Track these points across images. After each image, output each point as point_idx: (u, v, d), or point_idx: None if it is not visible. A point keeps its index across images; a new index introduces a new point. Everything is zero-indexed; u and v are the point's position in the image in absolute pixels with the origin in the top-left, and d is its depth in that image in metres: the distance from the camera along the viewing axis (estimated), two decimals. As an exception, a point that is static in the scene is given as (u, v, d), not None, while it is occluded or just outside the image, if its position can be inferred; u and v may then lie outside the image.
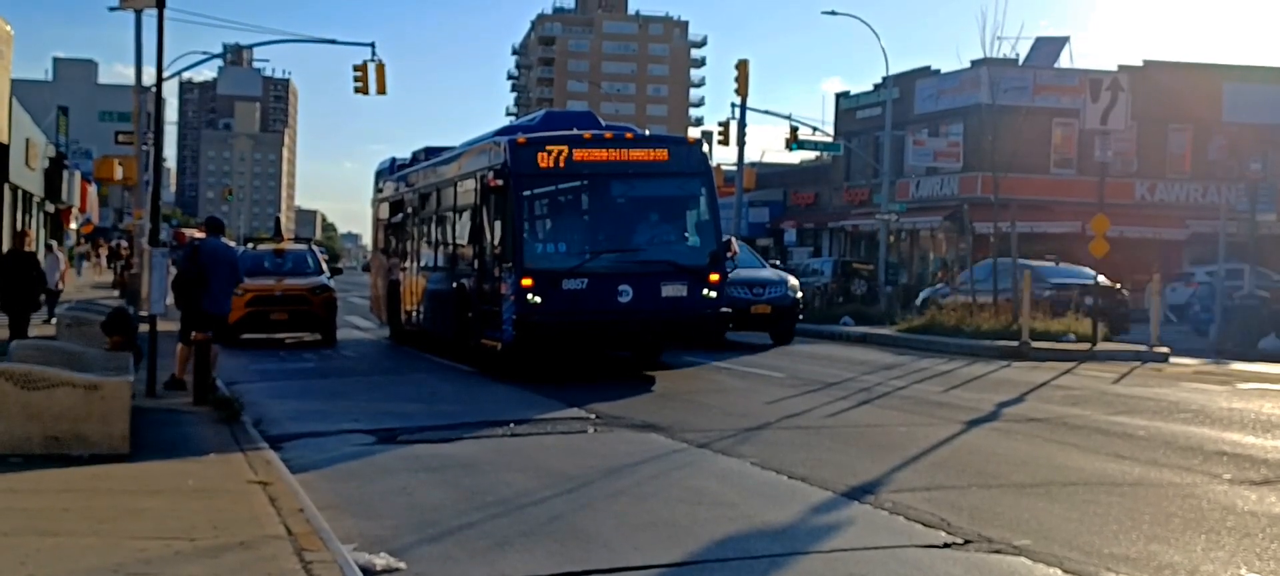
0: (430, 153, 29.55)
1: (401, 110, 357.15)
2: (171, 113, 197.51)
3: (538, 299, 19.81)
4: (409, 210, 29.76)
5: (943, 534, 9.78)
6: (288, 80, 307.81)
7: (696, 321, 20.89)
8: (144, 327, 18.94)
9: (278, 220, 70.05)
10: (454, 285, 23.87)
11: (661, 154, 21.83)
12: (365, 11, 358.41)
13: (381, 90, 43.63)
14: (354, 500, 11.18)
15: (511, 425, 15.96)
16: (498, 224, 20.93)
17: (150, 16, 21.24)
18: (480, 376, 22.02)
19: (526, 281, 19.87)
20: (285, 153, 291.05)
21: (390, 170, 32.85)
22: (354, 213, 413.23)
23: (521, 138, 21.33)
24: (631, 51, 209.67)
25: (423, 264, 27.58)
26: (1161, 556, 9.15)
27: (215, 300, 17.99)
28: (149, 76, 24.72)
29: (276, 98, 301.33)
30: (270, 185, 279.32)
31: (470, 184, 23.16)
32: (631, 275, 20.29)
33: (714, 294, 20.86)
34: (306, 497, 10.46)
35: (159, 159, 35.53)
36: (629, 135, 22.49)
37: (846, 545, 9.57)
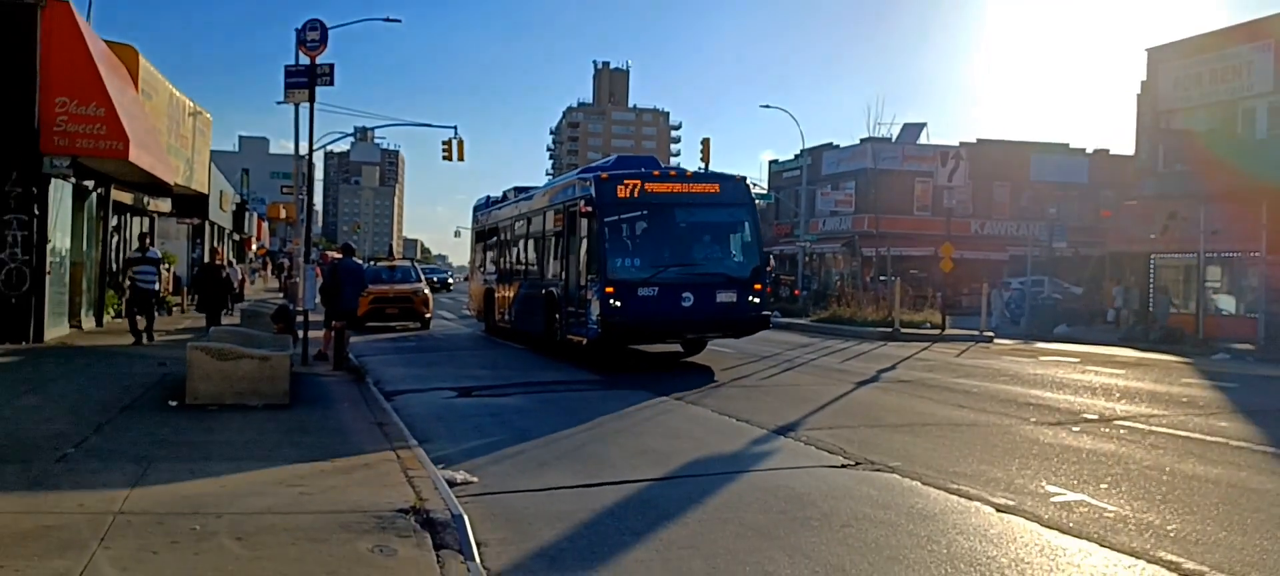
0: (519, 191, 26.96)
1: (473, 170, 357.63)
2: (319, 172, 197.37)
3: (618, 303, 17.62)
4: (504, 234, 26.32)
5: (840, 458, 9.75)
6: (397, 150, 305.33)
7: (743, 322, 18.81)
8: (300, 318, 18.93)
9: (390, 246, 70.05)
10: (543, 292, 21.40)
11: (714, 188, 19.34)
12: (451, 100, 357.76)
13: (461, 158, 43.62)
14: (442, 434, 11.14)
15: (552, 385, 15.89)
16: (584, 243, 18.66)
17: (305, 106, 21.11)
18: (534, 354, 21.06)
19: (610, 289, 17.64)
20: (396, 199, 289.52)
21: (485, 204, 29.89)
22: (442, 240, 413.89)
23: (604, 174, 19.16)
24: (630, 132, 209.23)
25: (515, 276, 24.71)
26: (989, 473, 9.14)
27: (347, 300, 17.86)
28: (304, 148, 24.56)
29: (390, 163, 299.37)
30: (385, 222, 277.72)
31: (558, 211, 20.75)
32: (692, 285, 18.11)
33: (757, 300, 18.68)
34: (408, 432, 10.44)
35: (310, 204, 35.45)
36: (688, 172, 20.10)
37: (776, 465, 9.55)
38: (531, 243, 23.41)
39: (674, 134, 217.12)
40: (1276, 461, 9.86)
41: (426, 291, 30.73)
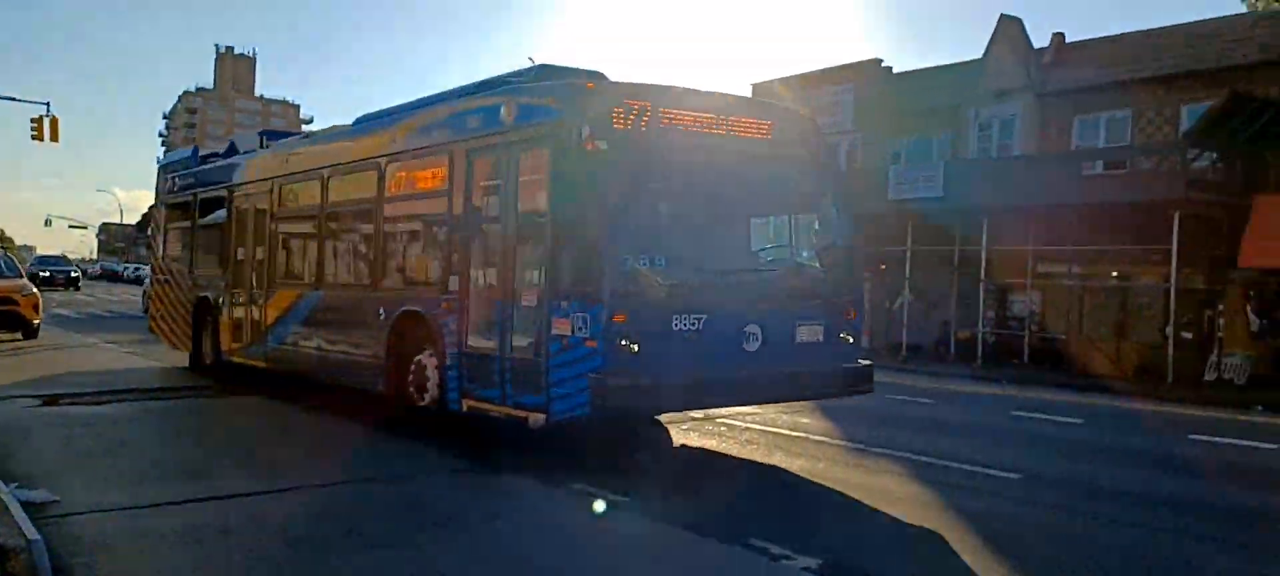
0: (272, 136, 16.84)
1: (74, 155, 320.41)
2: None
3: (634, 345, 8.50)
4: (253, 204, 15.16)
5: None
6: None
7: (838, 378, 10.11)
8: None
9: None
10: (389, 313, 11.24)
11: (765, 127, 9.90)
12: (42, 75, 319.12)
13: (55, 138, 39.49)
14: (20, 448, 9.87)
15: (150, 392, 14.43)
16: (542, 224, 9.08)
17: None
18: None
19: (620, 318, 8.49)
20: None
21: (194, 162, 18.16)
22: (31, 232, 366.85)
23: (589, 83, 9.49)
24: (256, 121, 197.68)
25: (296, 278, 14.02)
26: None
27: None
28: None
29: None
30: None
31: (448, 158, 10.52)
32: (760, 311, 9.35)
33: (853, 335, 10.15)
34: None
35: None
36: (729, 96, 10.07)
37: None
38: (350, 219, 12.84)
39: (306, 129, 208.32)
40: (851, 454, 11.15)
41: (34, 289, 23.38)
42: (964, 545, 7.34)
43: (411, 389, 10.82)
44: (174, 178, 18.51)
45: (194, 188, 17.48)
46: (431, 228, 11.06)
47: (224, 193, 16.21)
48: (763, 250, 11.08)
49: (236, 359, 15.20)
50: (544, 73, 10.38)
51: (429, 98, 11.94)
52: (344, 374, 12.40)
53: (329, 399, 12.86)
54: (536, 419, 8.98)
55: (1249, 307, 21.75)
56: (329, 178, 13.21)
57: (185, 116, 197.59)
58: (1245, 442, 13.52)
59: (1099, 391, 19.96)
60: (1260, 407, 17.89)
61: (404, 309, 11.00)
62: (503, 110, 9.96)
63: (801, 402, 12.79)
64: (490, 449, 9.95)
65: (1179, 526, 8.25)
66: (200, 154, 18.50)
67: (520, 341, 9.24)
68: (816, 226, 10.68)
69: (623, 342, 8.50)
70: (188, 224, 17.51)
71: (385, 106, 13.40)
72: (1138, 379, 21.90)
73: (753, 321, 9.29)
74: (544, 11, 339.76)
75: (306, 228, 13.95)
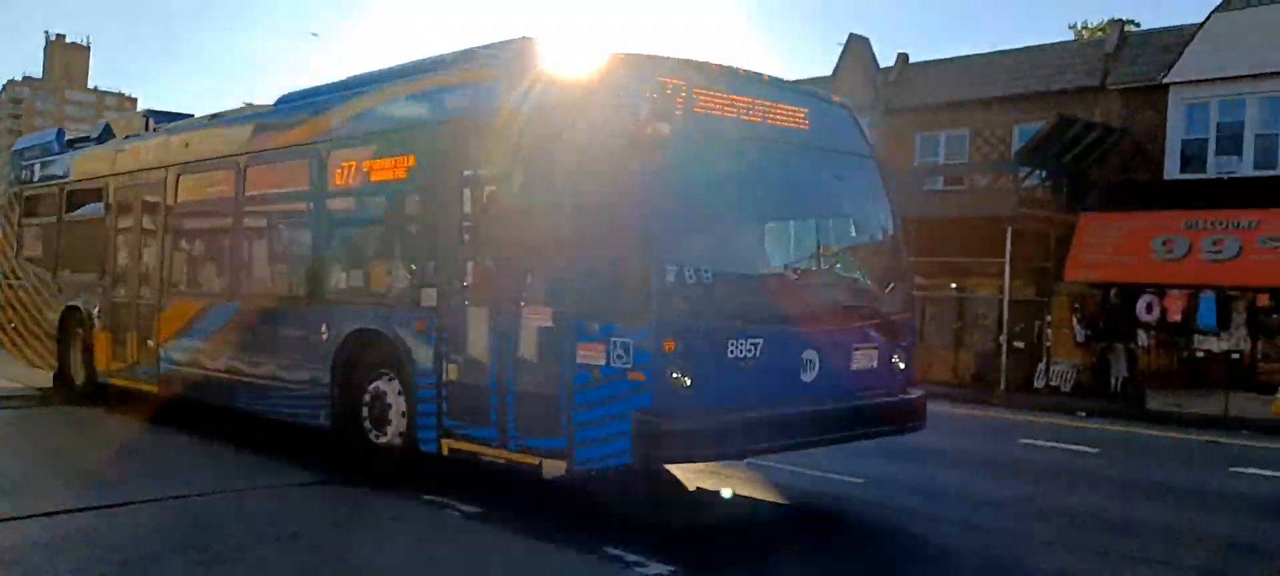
0: (160, 117, 13.83)
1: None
2: None
3: (686, 377, 6.92)
4: (136, 201, 12.84)
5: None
6: None
7: (892, 411, 8.62)
8: None
9: None
10: (326, 330, 9.42)
11: (800, 115, 8.44)
12: None
13: None
14: None
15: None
16: (559, 224, 7.48)
17: None
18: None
19: (670, 346, 6.86)
20: None
21: (57, 146, 15.25)
22: None
23: (619, 56, 7.63)
24: (89, 115, 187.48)
25: (197, 288, 11.96)
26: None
27: None
28: None
29: None
30: None
31: (414, 151, 8.83)
32: (815, 331, 7.86)
33: (905, 361, 8.69)
34: None
35: None
36: (764, 75, 8.51)
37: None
38: (278, 217, 10.94)
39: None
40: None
41: None
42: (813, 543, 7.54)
43: (366, 424, 8.97)
44: (33, 166, 15.50)
45: (59, 177, 14.79)
46: (397, 229, 9.33)
47: (100, 184, 13.62)
48: (806, 257, 8.72)
49: (117, 381, 12.75)
50: (527, 46, 8.26)
51: (381, 72, 9.85)
52: (269, 402, 10.25)
53: (191, 415, 11.69)
54: (554, 467, 7.29)
55: (1075, 319, 23.10)
56: (247, 166, 10.88)
57: (10, 107, 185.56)
58: (1072, 447, 14.35)
59: (938, 398, 20.78)
60: (1083, 413, 19.03)
61: (357, 326, 9.08)
62: (500, 87, 8.12)
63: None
64: (342, 462, 9.41)
65: (1014, 529, 8.70)
66: (66, 137, 15.58)
67: (528, 370, 7.53)
68: (859, 229, 9.07)
69: (674, 375, 6.86)
70: (51, 219, 14.79)
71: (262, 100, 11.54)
72: (974, 385, 23.03)
73: (810, 345, 7.69)
74: (394, 10, 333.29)
75: (216, 226, 11.69)
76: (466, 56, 8.88)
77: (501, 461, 7.78)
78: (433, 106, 8.95)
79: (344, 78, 10.44)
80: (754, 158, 8.03)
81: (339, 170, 9.64)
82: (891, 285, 8.88)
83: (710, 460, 8.77)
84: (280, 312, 10.25)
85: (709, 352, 7.08)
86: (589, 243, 7.20)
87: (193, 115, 13.49)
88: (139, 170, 12.94)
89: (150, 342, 12.11)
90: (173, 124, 13.42)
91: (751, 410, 7.30)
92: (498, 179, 8.05)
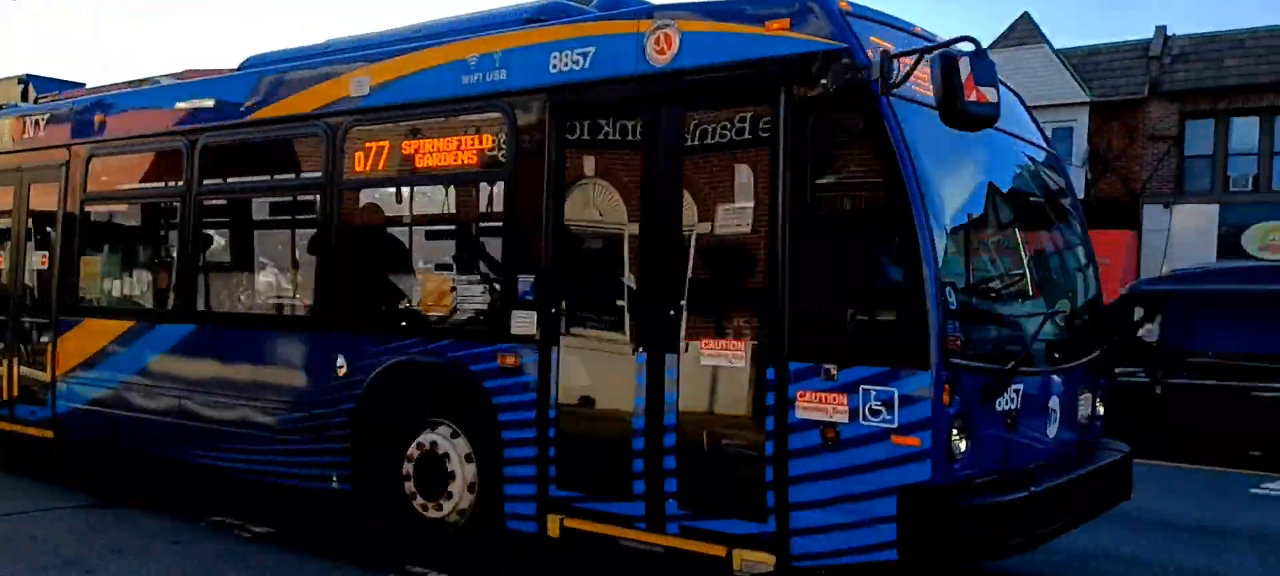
0: (43, 85, 11.28)
1: None
2: None
3: (964, 442, 5.01)
4: (21, 191, 9.76)
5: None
6: None
7: (1110, 476, 6.40)
8: None
9: None
10: (344, 364, 6.92)
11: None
12: None
13: None
14: None
15: None
16: (749, 228, 5.48)
17: None
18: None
19: (947, 395, 4.89)
20: None
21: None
22: None
23: (845, 3, 5.36)
24: None
25: (125, 303, 8.84)
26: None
27: None
28: None
29: None
30: None
31: (504, 124, 6.34)
32: (1063, 374, 6.06)
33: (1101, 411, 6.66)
34: None
35: None
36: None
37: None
38: (256, 213, 8.66)
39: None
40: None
41: None
42: None
43: (410, 488, 6.56)
44: None
45: None
46: (466, 231, 6.97)
47: None
48: (1052, 283, 6.79)
49: None
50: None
51: (433, 24, 7.33)
52: (248, 459, 7.58)
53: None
54: (756, 564, 5.24)
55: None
56: (201, 145, 8.13)
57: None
58: None
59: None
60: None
61: (394, 360, 6.68)
62: (651, 42, 5.78)
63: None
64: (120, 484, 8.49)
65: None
66: None
67: (705, 425, 5.55)
68: (1077, 259, 7.02)
69: (955, 435, 4.98)
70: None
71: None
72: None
73: (1053, 389, 5.90)
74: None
75: (151, 226, 9.05)
76: (551, 9, 6.62)
77: (657, 548, 5.58)
78: (531, 68, 6.26)
79: (348, 37, 8.02)
80: (1014, 165, 6.46)
81: (361, 151, 7.06)
82: (1102, 322, 7.10)
83: (1008, 555, 5.82)
84: (266, 338, 7.70)
85: (981, 405, 5.16)
86: (825, 252, 5.25)
87: (83, 83, 10.85)
88: (23, 150, 9.77)
89: (40, 374, 9.15)
90: (75, 90, 10.68)
91: (1027, 481, 5.29)
92: (622, 169, 6.03)
